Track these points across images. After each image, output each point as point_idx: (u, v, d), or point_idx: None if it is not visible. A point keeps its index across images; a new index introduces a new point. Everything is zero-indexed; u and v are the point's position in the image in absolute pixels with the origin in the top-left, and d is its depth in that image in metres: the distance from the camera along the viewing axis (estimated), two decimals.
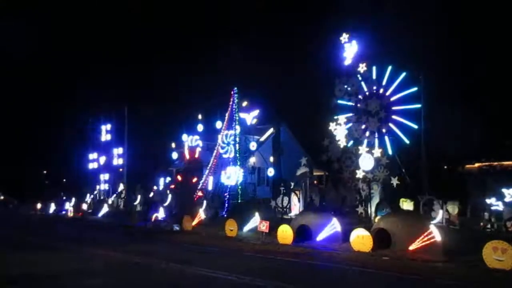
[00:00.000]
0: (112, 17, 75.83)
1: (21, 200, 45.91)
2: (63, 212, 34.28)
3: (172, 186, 29.21)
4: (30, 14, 67.55)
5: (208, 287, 9.52)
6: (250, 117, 26.92)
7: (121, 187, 34.44)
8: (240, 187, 25.24)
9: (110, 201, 33.79)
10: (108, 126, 36.81)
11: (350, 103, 18.85)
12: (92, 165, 38.40)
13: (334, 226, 14.90)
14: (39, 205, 37.76)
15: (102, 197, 35.77)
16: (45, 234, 21.36)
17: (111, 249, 14.80)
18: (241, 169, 25.63)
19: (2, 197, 52.45)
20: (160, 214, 24.02)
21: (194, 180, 28.79)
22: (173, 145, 31.22)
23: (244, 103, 26.73)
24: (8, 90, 61.85)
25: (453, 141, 24.51)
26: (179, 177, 29.45)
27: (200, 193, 27.50)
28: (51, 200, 37.00)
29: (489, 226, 16.42)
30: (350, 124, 18.69)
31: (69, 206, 34.33)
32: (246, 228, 18.17)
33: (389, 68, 17.74)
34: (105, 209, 31.42)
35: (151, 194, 30.05)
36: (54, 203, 36.36)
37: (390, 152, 17.56)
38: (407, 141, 17.33)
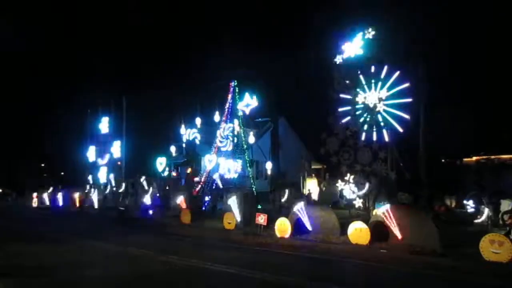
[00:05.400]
0: (111, 7, 75.38)
1: (19, 192, 45.82)
2: (61, 205, 34.25)
3: (174, 174, 29.35)
4: (27, 7, 67.17)
5: (207, 279, 9.55)
6: (249, 110, 26.89)
7: (119, 180, 34.39)
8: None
9: (107, 194, 33.77)
10: (106, 119, 36.66)
11: (348, 97, 18.86)
12: (90, 158, 38.31)
13: (331, 219, 14.93)
14: (36, 198, 37.72)
15: (99, 190, 35.73)
16: (42, 226, 21.38)
17: (104, 241, 14.88)
18: (239, 162, 25.64)
19: (0, 190, 52.36)
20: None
21: (192, 173, 28.80)
22: (171, 137, 31.26)
23: (243, 97, 26.72)
24: (5, 82, 61.50)
25: (451, 135, 24.56)
26: (173, 173, 29.61)
27: (198, 187, 27.58)
28: (49, 193, 36.98)
29: (486, 219, 16.50)
30: (349, 118, 18.71)
31: (67, 199, 34.31)
32: (244, 221, 18.18)
33: (385, 67, 17.81)
34: (102, 201, 31.43)
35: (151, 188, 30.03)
36: (52, 196, 36.32)
37: (387, 139, 17.57)
38: (400, 130, 17.39)
